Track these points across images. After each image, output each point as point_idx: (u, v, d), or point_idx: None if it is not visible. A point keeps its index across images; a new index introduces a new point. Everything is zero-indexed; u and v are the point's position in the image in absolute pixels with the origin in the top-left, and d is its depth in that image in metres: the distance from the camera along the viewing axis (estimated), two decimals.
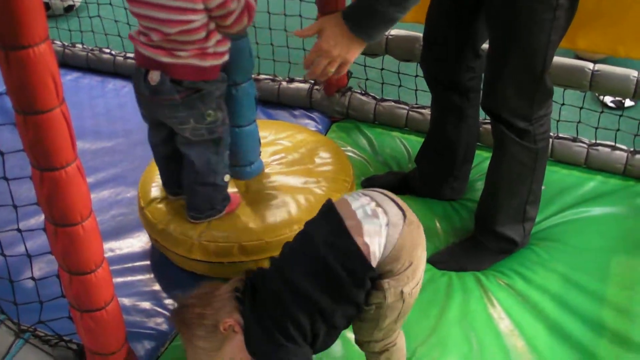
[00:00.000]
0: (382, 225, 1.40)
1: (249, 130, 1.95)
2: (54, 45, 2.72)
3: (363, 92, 2.66)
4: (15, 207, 1.52)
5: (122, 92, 2.93)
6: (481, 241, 2.00)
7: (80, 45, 3.14)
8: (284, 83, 2.75)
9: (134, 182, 2.31)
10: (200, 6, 1.58)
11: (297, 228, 1.81)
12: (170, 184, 1.97)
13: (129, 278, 2.00)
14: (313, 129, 2.53)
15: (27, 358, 1.60)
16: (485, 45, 1.91)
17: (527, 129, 1.81)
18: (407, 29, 2.49)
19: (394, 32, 2.48)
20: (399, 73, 2.65)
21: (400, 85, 2.66)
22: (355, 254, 1.37)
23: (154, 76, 1.67)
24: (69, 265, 1.33)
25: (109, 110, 2.83)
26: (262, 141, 2.06)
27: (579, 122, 2.42)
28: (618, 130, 2.39)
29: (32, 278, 1.60)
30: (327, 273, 1.39)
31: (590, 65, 2.24)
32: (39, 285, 1.59)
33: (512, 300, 1.88)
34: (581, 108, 2.44)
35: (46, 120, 1.14)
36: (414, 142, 2.48)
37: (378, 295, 1.41)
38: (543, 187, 1.97)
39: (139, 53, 1.70)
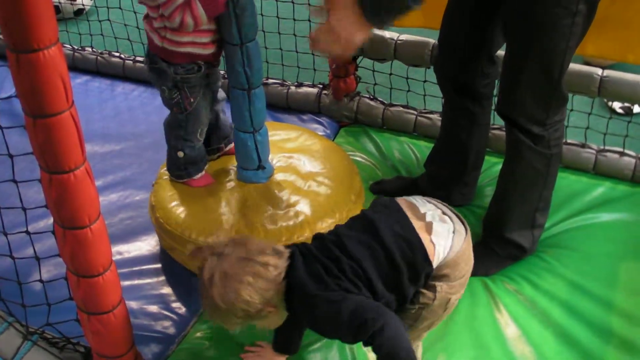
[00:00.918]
0: (450, 231, 1.45)
1: (262, 132, 1.96)
2: (64, 48, 2.72)
3: (371, 97, 2.66)
4: (24, 209, 1.52)
5: (132, 95, 2.94)
6: (490, 246, 1.99)
7: (89, 49, 3.15)
8: (293, 88, 2.75)
9: (142, 185, 2.32)
10: None
11: (308, 232, 1.82)
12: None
13: (137, 281, 2.01)
14: (321, 133, 2.53)
15: None
16: (500, 52, 1.91)
17: (542, 134, 1.80)
18: (415, 34, 2.49)
19: (402, 37, 2.48)
20: (407, 78, 2.65)
21: (408, 90, 2.66)
22: (419, 248, 1.41)
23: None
24: (77, 267, 1.33)
25: (118, 113, 2.84)
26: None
27: (588, 128, 2.41)
28: (627, 136, 2.38)
29: (41, 280, 1.60)
30: (388, 261, 1.41)
31: (599, 71, 2.23)
32: (47, 288, 1.60)
33: (519, 306, 1.87)
34: (590, 114, 2.43)
35: (55, 123, 1.14)
36: (422, 147, 2.48)
37: (428, 295, 1.44)
38: None
39: None
